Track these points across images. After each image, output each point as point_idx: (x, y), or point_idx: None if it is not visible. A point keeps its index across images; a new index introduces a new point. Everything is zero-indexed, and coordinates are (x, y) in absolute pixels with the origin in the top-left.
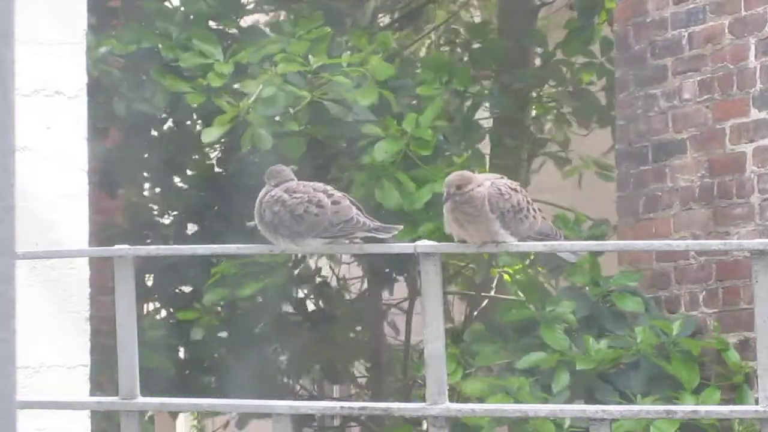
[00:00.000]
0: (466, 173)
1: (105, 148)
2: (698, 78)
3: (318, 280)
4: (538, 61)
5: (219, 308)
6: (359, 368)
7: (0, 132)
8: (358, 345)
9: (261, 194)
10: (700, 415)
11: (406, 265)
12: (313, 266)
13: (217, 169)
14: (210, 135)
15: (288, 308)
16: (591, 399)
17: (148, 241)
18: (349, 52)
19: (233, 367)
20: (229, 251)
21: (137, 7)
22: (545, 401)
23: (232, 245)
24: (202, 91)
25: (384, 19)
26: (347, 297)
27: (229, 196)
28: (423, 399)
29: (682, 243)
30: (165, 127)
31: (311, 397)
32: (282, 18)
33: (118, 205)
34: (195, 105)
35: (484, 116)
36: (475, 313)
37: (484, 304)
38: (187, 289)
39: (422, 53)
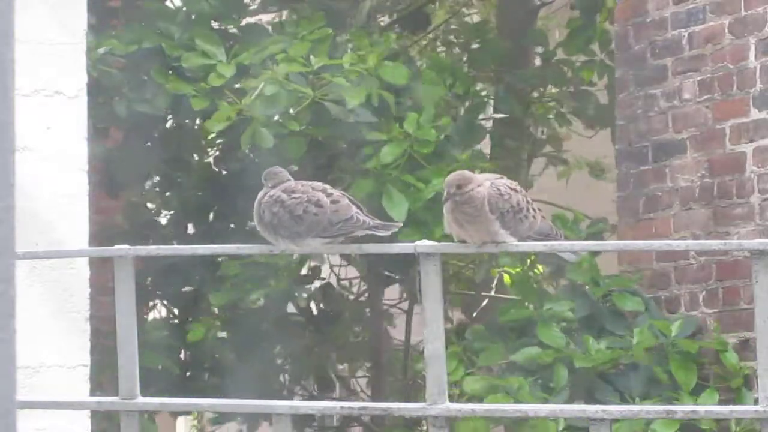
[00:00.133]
0: (466, 173)
1: (106, 148)
2: (698, 78)
3: (319, 280)
4: (538, 61)
5: (221, 310)
6: (359, 368)
7: (0, 132)
8: (358, 345)
9: (260, 195)
10: (699, 415)
11: (407, 265)
12: (314, 267)
13: (214, 168)
14: (213, 126)
15: (290, 309)
16: (591, 399)
17: (151, 240)
18: (350, 51)
19: (234, 368)
20: (229, 251)
21: (137, 7)
22: (545, 401)
23: (232, 245)
24: (205, 93)
25: (383, 20)
26: (348, 297)
27: (230, 196)
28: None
29: (682, 243)
30: (166, 126)
31: (311, 397)
32: (284, 18)
33: (118, 205)
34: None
35: (484, 117)
36: (475, 313)
37: (484, 303)
38: (189, 289)
39: (421, 54)
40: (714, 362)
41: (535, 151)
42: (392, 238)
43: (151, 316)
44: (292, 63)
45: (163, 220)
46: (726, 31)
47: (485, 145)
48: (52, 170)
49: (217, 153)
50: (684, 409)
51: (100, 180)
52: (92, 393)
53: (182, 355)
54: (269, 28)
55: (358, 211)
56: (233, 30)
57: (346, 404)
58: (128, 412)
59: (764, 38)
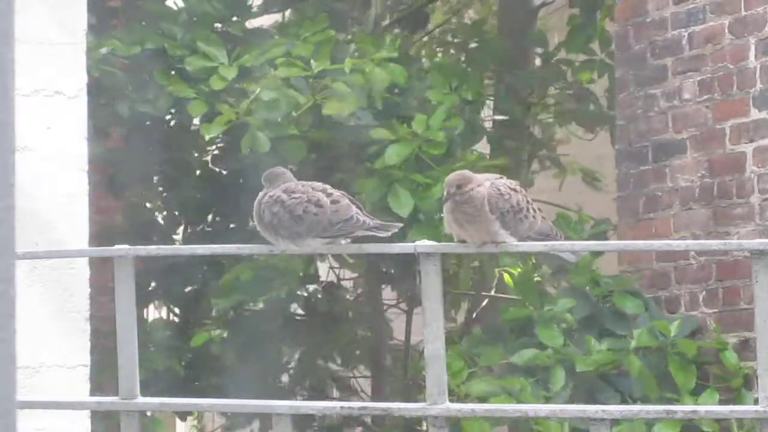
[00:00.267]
0: (466, 173)
1: (107, 148)
2: (698, 78)
3: (321, 280)
4: (538, 61)
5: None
6: (360, 368)
7: (0, 132)
8: (358, 345)
9: (260, 195)
10: (699, 415)
11: (407, 265)
12: (318, 268)
13: (214, 168)
14: (210, 130)
15: (292, 309)
16: (592, 401)
17: (155, 238)
18: (352, 53)
19: (236, 369)
20: (229, 251)
21: (137, 7)
22: (547, 402)
23: (232, 245)
24: (206, 96)
25: (384, 21)
26: (348, 297)
27: (230, 196)
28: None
29: (682, 243)
30: (167, 126)
31: (311, 397)
32: (287, 19)
33: (118, 205)
34: (197, 113)
35: (483, 117)
36: (474, 314)
37: (484, 303)
38: (190, 289)
39: (422, 53)
40: (714, 362)
41: (535, 151)
42: (393, 238)
43: (152, 316)
44: (292, 67)
45: (163, 220)
46: (726, 31)
47: (484, 146)
48: (52, 170)
49: (216, 152)
50: (684, 409)
51: (101, 180)
52: (92, 393)
53: (182, 356)
54: (272, 29)
55: (359, 211)
56: (236, 32)
57: (346, 404)
58: (128, 412)
59: (764, 38)
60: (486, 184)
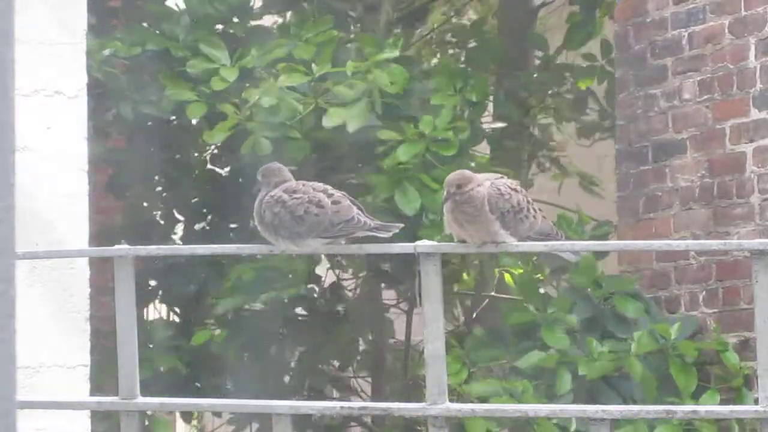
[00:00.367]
0: (466, 173)
1: (107, 148)
2: (698, 78)
3: (322, 280)
4: (538, 62)
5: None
6: (360, 369)
7: (0, 132)
8: (358, 345)
9: (260, 195)
10: (699, 415)
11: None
12: (319, 270)
13: (214, 168)
14: (214, 137)
15: (293, 309)
16: (593, 403)
17: (155, 238)
18: (354, 54)
19: (237, 368)
20: (229, 251)
21: (137, 7)
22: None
23: (232, 245)
24: (207, 97)
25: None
26: (349, 296)
27: (231, 196)
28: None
29: (682, 243)
30: (169, 127)
31: (311, 397)
32: (288, 19)
33: (118, 205)
34: (195, 116)
35: (483, 121)
36: (474, 314)
37: (484, 303)
38: (191, 289)
39: (421, 54)
40: (714, 362)
41: (535, 151)
42: (396, 238)
43: (152, 316)
44: (293, 73)
45: (163, 220)
46: (726, 31)
47: (484, 147)
48: (52, 170)
49: (215, 151)
50: (684, 409)
51: (101, 180)
52: (92, 393)
53: (183, 356)
54: (274, 30)
55: (359, 212)
56: (238, 33)
57: (346, 404)
58: (128, 412)
59: (764, 38)
60: (486, 184)
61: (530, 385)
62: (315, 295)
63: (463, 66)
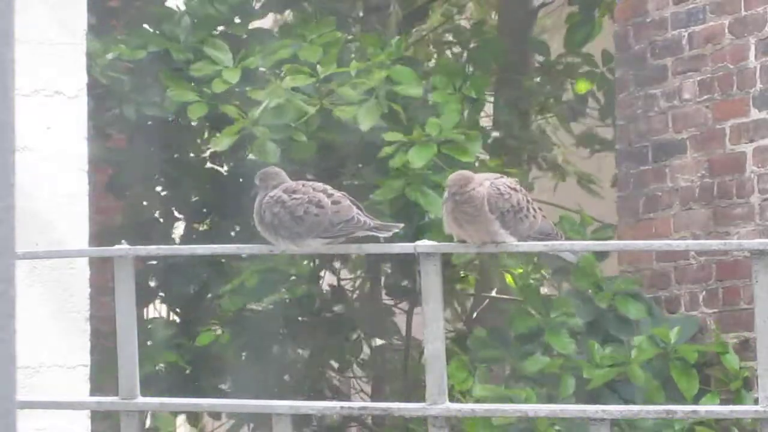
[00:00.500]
0: (466, 173)
1: (110, 149)
2: (698, 78)
3: (322, 280)
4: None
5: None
6: (360, 369)
7: (0, 132)
8: (358, 345)
9: (260, 195)
10: (699, 415)
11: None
12: (321, 270)
13: (214, 167)
14: (220, 143)
15: (294, 310)
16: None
17: (155, 238)
18: (356, 54)
19: (237, 368)
20: (229, 251)
21: (137, 7)
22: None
23: (232, 245)
24: (209, 98)
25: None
26: (350, 296)
27: (231, 196)
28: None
29: (682, 243)
30: (168, 127)
31: (311, 398)
32: (290, 20)
33: (118, 205)
34: (196, 118)
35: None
36: (474, 314)
37: (485, 303)
38: (192, 289)
39: (420, 54)
40: (715, 364)
41: (535, 152)
42: (394, 239)
43: (152, 316)
44: (298, 74)
45: (163, 220)
46: (726, 31)
47: (484, 147)
48: (52, 170)
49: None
50: (684, 409)
51: (101, 180)
52: (92, 393)
53: (183, 356)
54: (275, 32)
55: (359, 212)
56: (239, 34)
57: (346, 404)
58: (128, 412)
59: (764, 38)
60: (486, 183)
61: (533, 393)
62: (315, 296)
63: (463, 65)
